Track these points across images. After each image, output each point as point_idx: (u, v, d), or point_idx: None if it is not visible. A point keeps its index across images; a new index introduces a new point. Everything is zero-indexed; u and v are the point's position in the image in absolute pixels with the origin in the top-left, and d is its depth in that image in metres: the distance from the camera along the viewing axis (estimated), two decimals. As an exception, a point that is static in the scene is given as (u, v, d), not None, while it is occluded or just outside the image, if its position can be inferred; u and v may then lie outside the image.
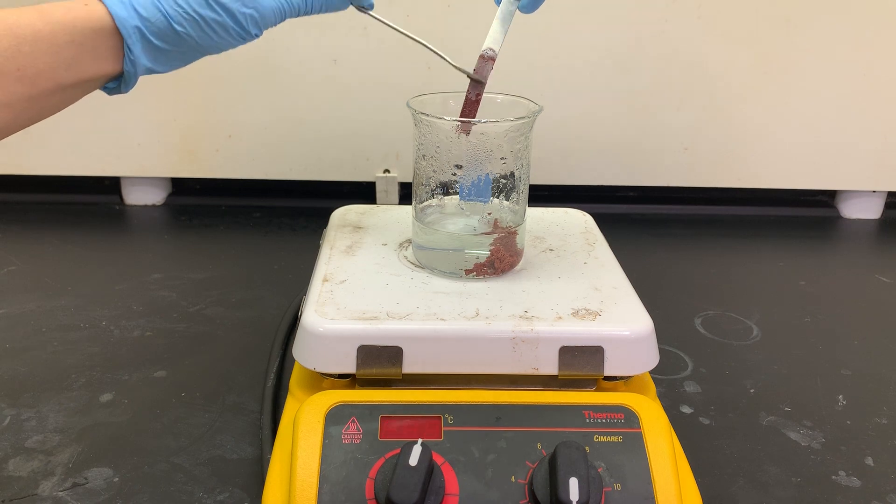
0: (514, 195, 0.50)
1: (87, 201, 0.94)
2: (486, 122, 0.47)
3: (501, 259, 0.50)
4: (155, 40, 0.42)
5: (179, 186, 0.98)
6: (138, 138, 0.90)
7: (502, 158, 0.48)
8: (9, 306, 0.68)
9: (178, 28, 0.42)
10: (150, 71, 0.43)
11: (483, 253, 0.49)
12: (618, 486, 0.39)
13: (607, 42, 0.86)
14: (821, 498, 0.48)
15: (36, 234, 0.85)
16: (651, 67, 0.87)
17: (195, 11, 0.42)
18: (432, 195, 0.50)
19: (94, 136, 0.89)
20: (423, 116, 0.48)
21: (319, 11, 0.47)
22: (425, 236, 0.51)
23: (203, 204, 0.95)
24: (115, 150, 0.90)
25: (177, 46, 0.43)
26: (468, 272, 0.50)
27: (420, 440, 0.39)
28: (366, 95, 0.87)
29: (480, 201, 0.49)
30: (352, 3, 0.48)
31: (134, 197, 0.95)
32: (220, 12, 0.43)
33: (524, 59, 0.86)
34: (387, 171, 0.92)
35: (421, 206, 0.51)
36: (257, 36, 0.45)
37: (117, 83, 0.44)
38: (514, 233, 0.50)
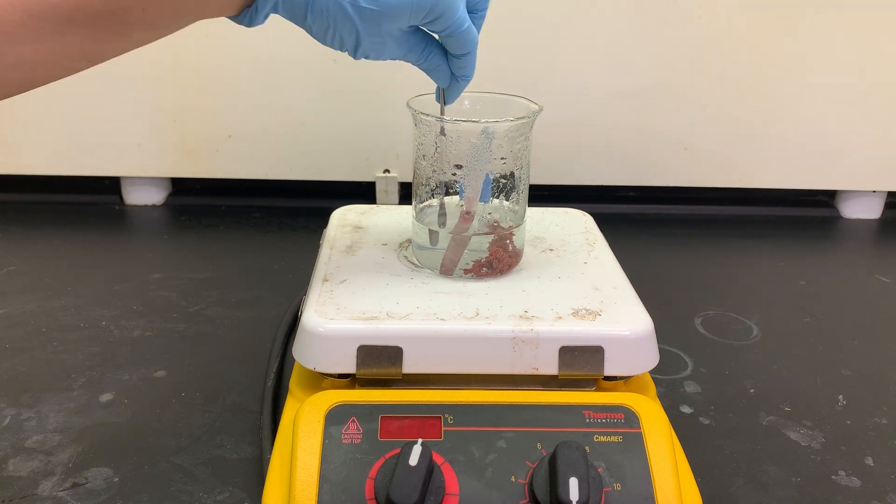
0: (513, 195, 0.50)
1: (87, 201, 0.94)
2: (486, 122, 0.47)
3: (500, 259, 0.50)
4: None
5: (179, 186, 0.98)
6: (138, 138, 0.90)
7: (502, 158, 0.48)
8: (9, 306, 0.68)
9: None
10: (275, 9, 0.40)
11: (482, 253, 0.49)
12: (618, 486, 0.39)
13: (607, 42, 0.86)
14: (821, 498, 0.48)
15: (36, 234, 0.85)
16: (651, 67, 0.87)
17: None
18: (432, 195, 0.50)
19: (94, 136, 0.89)
20: (423, 116, 0.48)
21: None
22: (425, 236, 0.51)
23: (203, 204, 0.95)
24: (115, 150, 0.90)
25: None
26: (467, 272, 0.50)
27: (420, 440, 0.39)
28: (366, 95, 0.88)
29: (480, 202, 0.49)
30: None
31: (134, 197, 0.95)
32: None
33: (524, 58, 0.87)
34: (387, 171, 0.92)
35: (421, 206, 0.51)
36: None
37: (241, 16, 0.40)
38: (513, 233, 0.50)
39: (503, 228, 0.50)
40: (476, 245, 0.49)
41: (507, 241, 0.50)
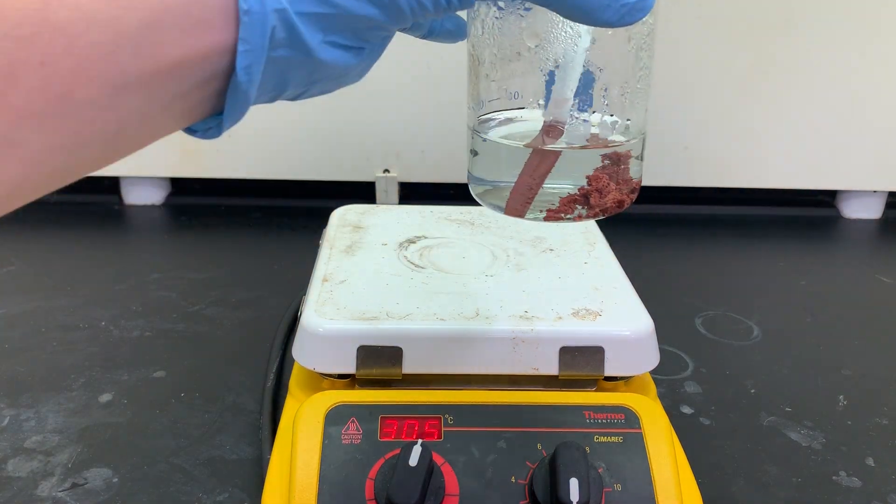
0: (628, 99, 0.34)
1: (87, 201, 0.94)
2: None
3: (603, 191, 0.33)
4: (306, 33, 0.28)
5: (179, 186, 0.98)
6: (138, 138, 0.90)
7: (617, 51, 0.33)
8: (9, 306, 0.68)
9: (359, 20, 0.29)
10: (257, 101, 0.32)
11: (577, 182, 0.33)
12: (618, 487, 0.39)
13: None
14: (821, 498, 0.48)
15: (36, 234, 0.85)
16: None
17: None
18: (503, 107, 0.34)
19: (94, 136, 0.89)
20: None
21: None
22: (491, 158, 0.34)
23: (203, 204, 0.95)
24: (115, 150, 0.90)
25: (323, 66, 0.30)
26: (550, 214, 0.33)
27: (420, 440, 0.39)
28: (366, 95, 0.87)
29: (574, 109, 0.33)
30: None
31: (134, 197, 0.95)
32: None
33: (524, 58, 0.86)
34: (387, 171, 0.91)
35: (483, 117, 0.35)
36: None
37: (204, 128, 0.33)
38: (629, 154, 0.34)
39: (614, 143, 0.34)
40: (567, 169, 0.33)
41: (620, 165, 0.34)
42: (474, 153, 0.35)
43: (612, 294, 0.48)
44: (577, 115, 0.33)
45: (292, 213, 0.92)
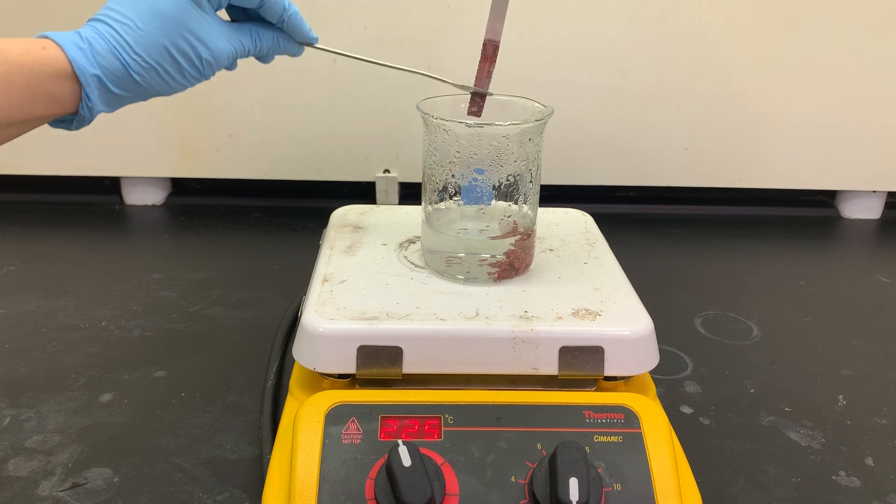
0: (527, 197, 0.50)
1: (87, 201, 0.94)
2: (500, 124, 0.46)
3: (520, 260, 0.49)
4: (113, 88, 0.42)
5: (179, 186, 0.98)
6: (138, 138, 0.90)
7: (514, 161, 0.48)
8: (9, 306, 0.68)
9: (137, 77, 0.42)
10: (102, 112, 0.43)
11: (500, 257, 0.49)
12: (618, 487, 0.39)
13: (607, 42, 0.86)
14: (821, 498, 0.48)
15: (36, 234, 0.85)
16: (651, 67, 0.87)
17: (155, 60, 0.42)
18: (441, 199, 0.50)
19: (94, 136, 0.89)
20: (433, 119, 0.47)
21: (269, 54, 0.51)
22: (436, 239, 0.50)
23: (203, 204, 0.95)
24: (115, 150, 0.90)
25: (133, 92, 0.43)
26: (492, 276, 0.49)
27: (400, 440, 0.39)
28: (366, 95, 0.87)
29: (483, 204, 0.49)
30: (301, 44, 0.51)
31: (134, 197, 0.95)
32: (180, 60, 0.43)
33: (525, 58, 0.86)
34: (387, 171, 0.92)
35: (431, 208, 0.50)
36: (209, 77, 0.46)
37: (68, 121, 0.43)
38: (529, 234, 0.50)
39: (521, 230, 0.49)
40: (495, 248, 0.49)
41: (525, 242, 0.50)
42: (425, 235, 0.51)
43: (612, 294, 0.48)
44: (496, 212, 0.49)
45: (292, 213, 0.92)
